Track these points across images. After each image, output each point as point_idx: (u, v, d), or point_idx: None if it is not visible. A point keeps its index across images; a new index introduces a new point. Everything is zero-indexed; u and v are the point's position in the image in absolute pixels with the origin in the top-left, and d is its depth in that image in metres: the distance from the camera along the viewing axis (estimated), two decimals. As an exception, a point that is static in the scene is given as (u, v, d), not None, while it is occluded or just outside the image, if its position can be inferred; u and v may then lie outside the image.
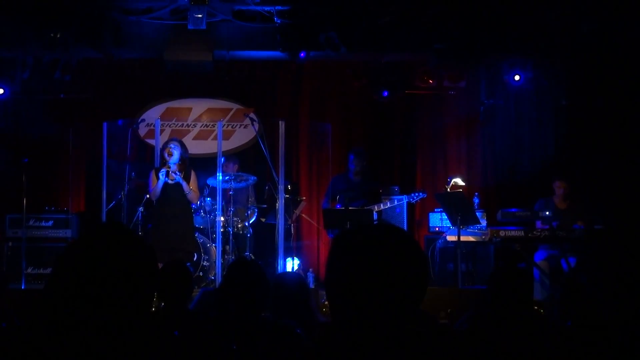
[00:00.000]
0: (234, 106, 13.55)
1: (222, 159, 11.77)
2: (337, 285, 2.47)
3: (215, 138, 12.66)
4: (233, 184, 11.80)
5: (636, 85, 11.58)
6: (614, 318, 4.32)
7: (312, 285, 11.14)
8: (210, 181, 11.91)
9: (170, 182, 10.77)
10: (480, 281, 11.34)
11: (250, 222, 12.29)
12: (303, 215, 13.12)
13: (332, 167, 13.20)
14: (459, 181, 12.18)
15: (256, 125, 12.35)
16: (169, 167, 10.70)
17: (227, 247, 11.69)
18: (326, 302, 9.05)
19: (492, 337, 4.56)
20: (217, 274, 11.23)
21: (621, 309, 4.31)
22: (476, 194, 12.31)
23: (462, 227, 10.91)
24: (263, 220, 12.57)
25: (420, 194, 11.88)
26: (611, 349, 4.23)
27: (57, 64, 12.03)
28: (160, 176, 10.69)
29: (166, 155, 10.75)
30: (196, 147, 13.07)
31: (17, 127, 13.28)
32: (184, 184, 10.75)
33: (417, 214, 13.46)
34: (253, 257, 11.79)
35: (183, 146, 10.96)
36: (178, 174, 10.73)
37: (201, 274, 11.41)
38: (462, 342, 2.54)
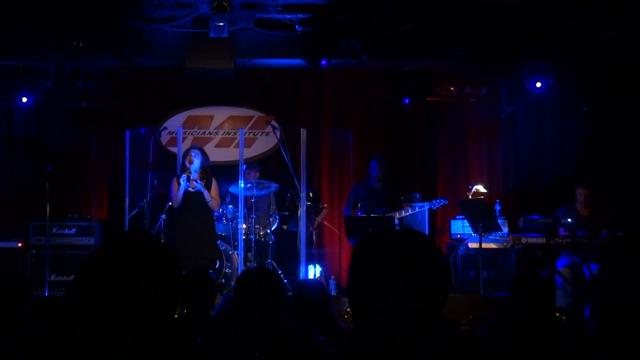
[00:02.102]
0: (256, 114, 13.56)
1: (244, 167, 11.81)
2: (359, 292, 2.48)
3: (236, 146, 12.67)
4: (255, 192, 11.82)
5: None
6: (638, 325, 4.30)
7: (334, 292, 11.14)
8: (232, 189, 11.92)
9: (191, 190, 10.82)
10: (502, 288, 11.30)
11: (272, 229, 12.28)
12: (325, 222, 13.13)
13: (353, 174, 13.20)
14: (480, 188, 12.15)
15: (278, 133, 12.34)
16: (190, 173, 10.75)
17: (249, 254, 11.70)
18: (348, 309, 9.05)
19: (514, 344, 4.55)
20: (239, 281, 11.22)
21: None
22: (498, 200, 12.27)
23: (484, 234, 10.90)
24: (285, 227, 12.57)
25: (442, 200, 11.86)
26: (635, 358, 4.21)
27: (80, 72, 12.07)
28: (182, 182, 10.74)
29: (187, 163, 10.80)
30: (218, 155, 13.08)
31: (41, 135, 13.38)
32: (205, 191, 10.79)
33: (439, 221, 13.43)
34: (274, 265, 11.81)
35: (204, 154, 11.01)
36: (199, 182, 10.77)
37: (223, 281, 11.42)
38: (484, 348, 2.54)
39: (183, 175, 10.75)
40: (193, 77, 12.61)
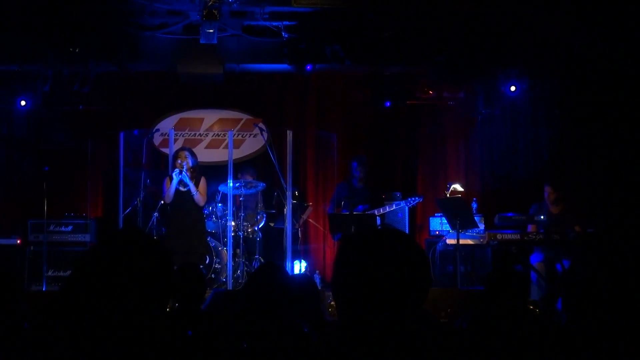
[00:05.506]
0: (244, 116, 13.56)
1: (234, 170, 11.80)
2: (343, 286, 2.48)
3: (226, 147, 12.66)
4: (243, 191, 11.83)
5: (624, 96, 11.59)
6: (607, 317, 4.32)
7: (318, 287, 11.14)
8: (221, 188, 11.92)
9: (182, 189, 10.86)
10: (479, 282, 11.33)
11: (260, 226, 12.29)
12: (309, 220, 13.15)
13: (337, 174, 13.22)
14: (458, 187, 12.19)
15: (265, 135, 12.35)
16: (182, 167, 10.79)
17: (238, 250, 11.69)
18: (332, 303, 9.05)
19: (490, 335, 4.56)
20: (228, 276, 11.25)
21: (613, 309, 4.31)
22: (474, 199, 12.30)
23: (461, 231, 10.91)
24: (272, 224, 12.58)
25: (416, 198, 11.88)
26: (604, 347, 4.23)
27: (76, 77, 12.04)
28: (174, 176, 10.81)
29: (179, 161, 10.84)
30: (208, 156, 13.10)
31: (39, 137, 13.30)
32: (192, 185, 10.84)
33: (419, 219, 13.45)
34: (262, 260, 11.81)
35: (193, 154, 11.06)
36: (187, 174, 10.81)
37: (213, 276, 11.43)
38: (462, 339, 2.55)
39: (175, 170, 10.82)
40: (184, 81, 12.62)
